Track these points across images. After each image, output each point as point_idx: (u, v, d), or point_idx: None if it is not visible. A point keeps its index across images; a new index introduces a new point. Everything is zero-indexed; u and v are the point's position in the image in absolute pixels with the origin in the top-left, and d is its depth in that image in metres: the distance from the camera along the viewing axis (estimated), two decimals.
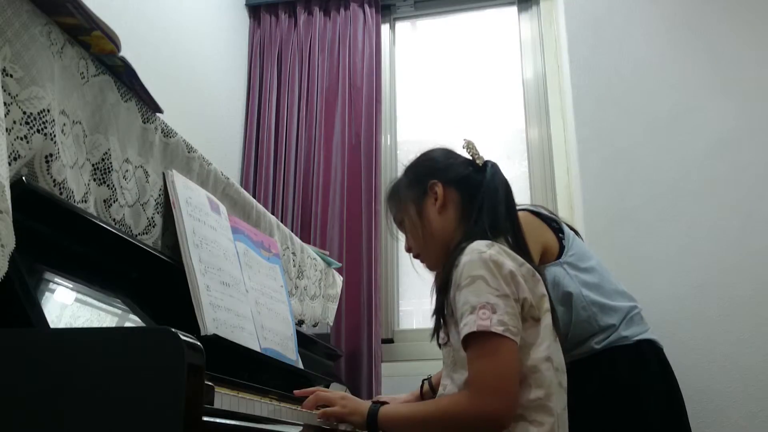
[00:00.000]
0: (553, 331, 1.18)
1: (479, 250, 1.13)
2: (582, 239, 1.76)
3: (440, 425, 1.11)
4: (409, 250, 1.39)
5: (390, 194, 1.42)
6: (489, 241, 1.17)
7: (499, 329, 1.05)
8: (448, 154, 1.38)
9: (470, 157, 1.34)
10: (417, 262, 1.39)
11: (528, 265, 1.18)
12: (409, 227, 1.35)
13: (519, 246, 1.25)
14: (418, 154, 1.41)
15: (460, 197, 1.30)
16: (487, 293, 1.08)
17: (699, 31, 2.37)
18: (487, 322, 1.06)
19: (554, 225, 1.66)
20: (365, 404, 1.17)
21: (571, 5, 2.50)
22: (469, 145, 1.34)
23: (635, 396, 1.51)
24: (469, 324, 1.07)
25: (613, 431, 1.48)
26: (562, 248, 1.61)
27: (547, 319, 1.16)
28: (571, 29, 2.47)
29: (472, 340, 1.07)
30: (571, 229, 1.71)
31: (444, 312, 1.18)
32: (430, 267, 1.37)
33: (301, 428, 1.05)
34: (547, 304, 1.17)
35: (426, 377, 1.65)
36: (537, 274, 1.19)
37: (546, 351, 1.12)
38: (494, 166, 1.32)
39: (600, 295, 1.58)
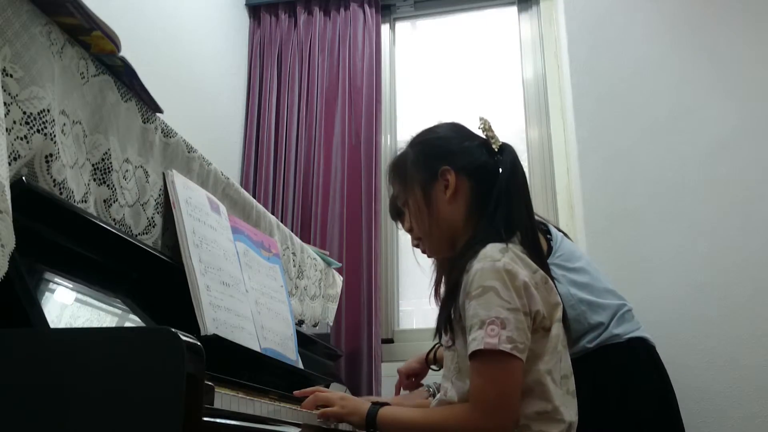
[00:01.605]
0: (564, 338, 1.15)
1: (493, 257, 1.09)
2: (571, 240, 1.77)
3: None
4: (409, 230, 1.31)
5: (394, 170, 1.31)
6: (503, 246, 1.12)
7: (506, 347, 1.03)
8: (461, 133, 1.28)
9: (484, 138, 1.25)
10: (418, 252, 1.33)
11: (541, 271, 1.13)
12: (414, 211, 1.26)
13: (532, 242, 1.18)
14: (426, 128, 1.31)
15: (474, 187, 1.21)
16: (498, 306, 1.05)
17: (699, 31, 2.37)
18: (495, 340, 1.03)
19: (542, 227, 1.66)
20: (365, 405, 1.16)
21: (571, 5, 2.50)
22: (486, 125, 1.25)
23: (627, 394, 1.51)
24: (477, 340, 1.05)
25: (606, 430, 1.48)
26: (550, 249, 1.61)
27: (556, 329, 1.12)
28: (571, 29, 2.47)
29: (479, 355, 1.05)
30: (560, 231, 1.72)
31: (452, 316, 1.15)
32: (430, 254, 1.31)
33: (300, 428, 1.05)
34: (559, 313, 1.14)
35: (437, 344, 1.61)
36: (550, 281, 1.15)
37: (548, 363, 1.10)
38: (512, 151, 1.22)
39: (588, 293, 1.58)
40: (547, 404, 1.07)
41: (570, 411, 1.11)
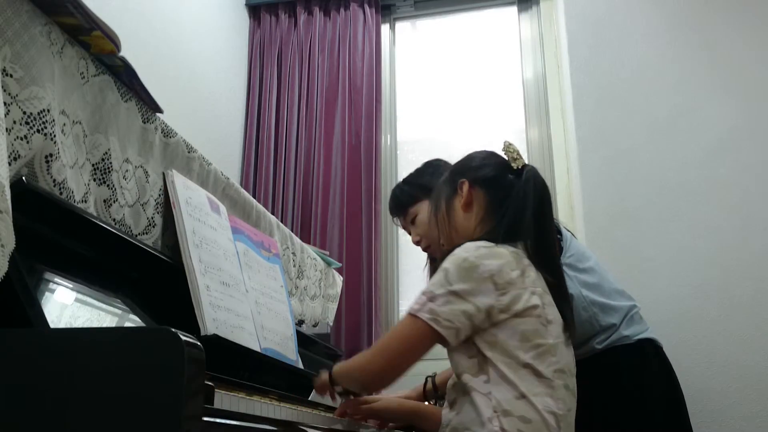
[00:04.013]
0: (563, 334, 1.17)
1: (466, 248, 1.15)
2: (577, 239, 1.77)
3: (347, 374, 1.23)
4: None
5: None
6: (487, 242, 1.16)
7: (425, 316, 1.10)
8: (488, 155, 1.37)
9: (507, 159, 1.33)
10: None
11: (528, 271, 1.15)
12: (440, 222, 1.36)
13: (539, 254, 1.21)
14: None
15: (488, 198, 1.29)
16: (439, 284, 1.12)
17: (699, 31, 2.37)
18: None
19: None
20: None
21: (571, 5, 2.50)
22: (509, 148, 1.33)
23: (638, 395, 1.51)
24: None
25: (617, 431, 1.48)
26: (560, 250, 1.61)
27: (531, 324, 1.12)
28: (571, 29, 2.47)
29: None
30: (568, 231, 1.72)
31: None
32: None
33: (300, 429, 1.05)
34: (538, 310, 1.14)
35: (430, 375, 1.65)
36: (540, 285, 1.17)
37: (520, 355, 1.10)
38: (531, 170, 1.29)
39: (600, 295, 1.58)
40: (514, 390, 1.08)
41: (563, 405, 1.11)
